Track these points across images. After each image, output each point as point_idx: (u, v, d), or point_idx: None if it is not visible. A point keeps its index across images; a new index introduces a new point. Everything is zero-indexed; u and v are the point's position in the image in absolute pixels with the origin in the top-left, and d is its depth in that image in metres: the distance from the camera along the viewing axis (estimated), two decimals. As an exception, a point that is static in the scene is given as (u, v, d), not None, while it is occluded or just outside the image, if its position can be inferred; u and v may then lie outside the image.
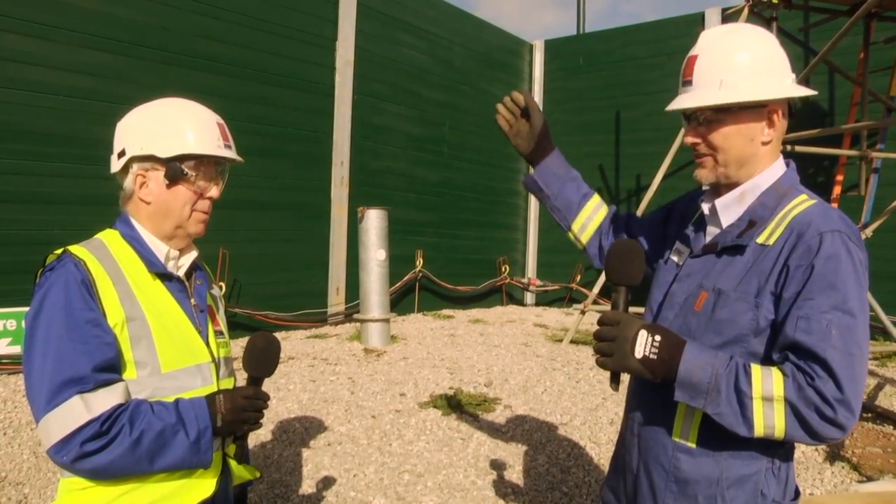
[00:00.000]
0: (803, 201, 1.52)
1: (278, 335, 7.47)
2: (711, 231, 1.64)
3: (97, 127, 6.10)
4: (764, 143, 1.55)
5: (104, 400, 1.40)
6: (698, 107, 1.53)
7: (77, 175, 6.06)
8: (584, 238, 1.95)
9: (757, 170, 1.57)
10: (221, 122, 1.68)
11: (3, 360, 5.46)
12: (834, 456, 4.30)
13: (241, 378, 1.67)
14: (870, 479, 3.96)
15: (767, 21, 7.20)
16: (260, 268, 7.58)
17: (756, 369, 1.40)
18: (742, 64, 1.52)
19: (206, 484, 1.59)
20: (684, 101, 1.56)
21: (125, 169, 1.61)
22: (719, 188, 1.62)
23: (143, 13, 6.56)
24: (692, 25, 9.63)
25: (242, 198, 7.16)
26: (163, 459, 1.44)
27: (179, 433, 1.45)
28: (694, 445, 1.53)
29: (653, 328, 1.47)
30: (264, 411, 1.61)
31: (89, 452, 1.37)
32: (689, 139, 1.60)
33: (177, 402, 1.50)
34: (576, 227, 1.95)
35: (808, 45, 8.37)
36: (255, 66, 7.52)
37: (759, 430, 1.39)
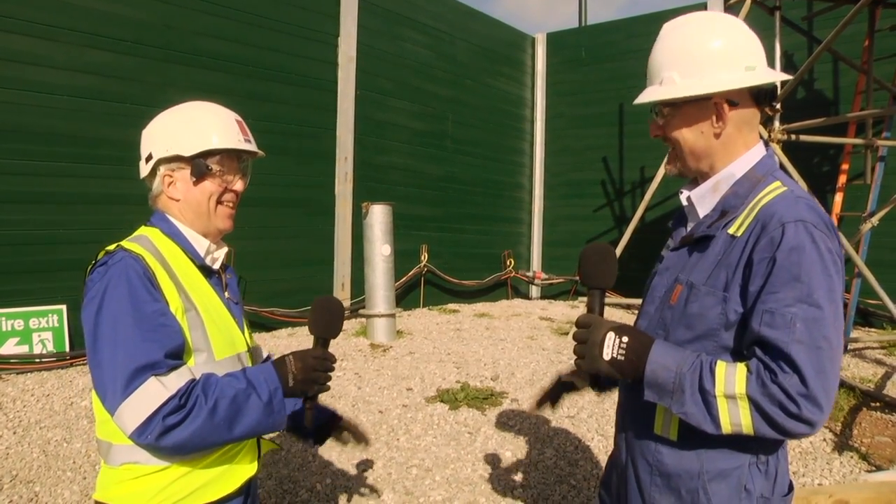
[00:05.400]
0: (774, 189, 1.46)
1: (283, 332, 7.51)
2: (691, 223, 1.62)
3: (101, 126, 6.12)
4: (716, 136, 1.51)
5: (177, 380, 1.46)
6: (644, 102, 1.56)
7: (82, 174, 6.06)
8: None
9: (724, 160, 1.53)
10: (240, 119, 1.76)
11: (12, 360, 5.48)
12: (843, 446, 4.29)
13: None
14: (879, 468, 3.95)
15: (771, 10, 7.14)
16: (265, 264, 7.60)
17: (721, 367, 1.37)
18: (681, 59, 1.50)
19: (249, 465, 1.69)
20: (638, 97, 1.59)
21: (153, 172, 1.69)
22: (697, 179, 1.61)
23: (146, 12, 6.56)
24: (695, 15, 9.55)
25: (246, 194, 6.93)
26: (241, 424, 1.50)
27: (252, 396, 1.51)
28: (675, 439, 1.51)
29: (621, 329, 1.46)
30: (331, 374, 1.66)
31: (171, 426, 1.42)
32: (652, 133, 1.63)
33: (244, 370, 1.58)
34: None
35: (812, 34, 8.32)
36: (257, 63, 7.51)
37: (726, 428, 1.36)
